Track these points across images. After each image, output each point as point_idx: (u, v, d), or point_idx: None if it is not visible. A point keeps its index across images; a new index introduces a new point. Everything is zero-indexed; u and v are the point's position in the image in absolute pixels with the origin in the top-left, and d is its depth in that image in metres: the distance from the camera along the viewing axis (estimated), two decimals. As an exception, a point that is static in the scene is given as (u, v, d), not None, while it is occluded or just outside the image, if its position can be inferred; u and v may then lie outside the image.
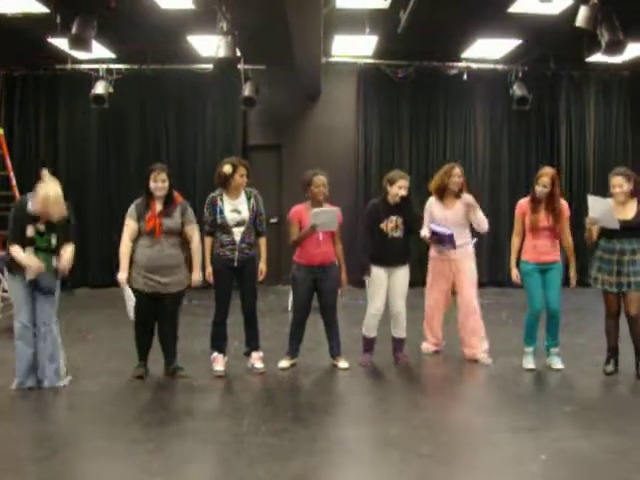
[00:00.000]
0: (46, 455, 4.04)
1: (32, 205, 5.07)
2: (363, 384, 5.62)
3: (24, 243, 5.09)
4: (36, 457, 4.06)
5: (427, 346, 6.44)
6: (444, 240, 6.00)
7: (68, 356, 5.47)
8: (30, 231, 5.08)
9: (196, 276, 5.57)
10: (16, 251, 5.09)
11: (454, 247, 5.98)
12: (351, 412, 4.94)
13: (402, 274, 5.96)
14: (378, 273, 5.88)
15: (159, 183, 5.38)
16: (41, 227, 5.12)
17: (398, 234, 5.86)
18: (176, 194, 5.55)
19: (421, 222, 6.10)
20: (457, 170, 6.11)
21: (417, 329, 6.41)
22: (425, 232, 6.09)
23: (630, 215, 5.50)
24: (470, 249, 6.17)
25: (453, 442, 4.27)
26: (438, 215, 6.12)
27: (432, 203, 6.22)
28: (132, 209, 5.48)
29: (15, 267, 5.16)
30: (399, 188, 5.83)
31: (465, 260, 6.13)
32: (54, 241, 5.18)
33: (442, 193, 6.15)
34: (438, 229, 6.04)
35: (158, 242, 5.39)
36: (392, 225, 5.84)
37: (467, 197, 6.10)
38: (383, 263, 5.88)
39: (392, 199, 5.87)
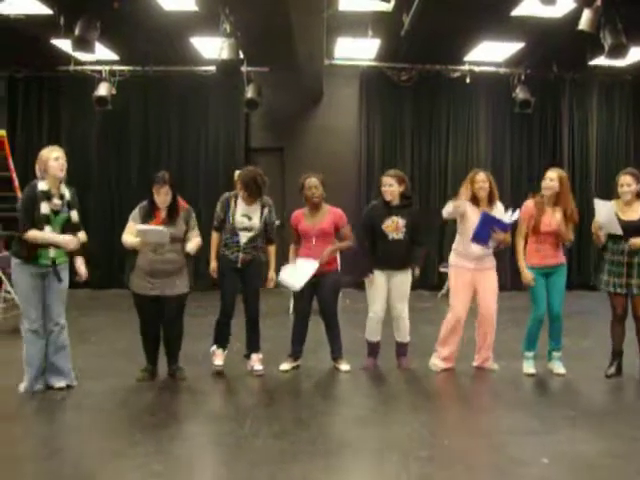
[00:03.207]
0: (45, 455, 4.04)
1: (40, 175, 4.96)
2: (364, 387, 5.61)
3: (40, 222, 4.90)
4: (35, 457, 4.05)
5: (437, 362, 5.92)
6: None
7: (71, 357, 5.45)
8: (45, 208, 4.91)
9: (190, 247, 5.44)
10: (35, 233, 4.90)
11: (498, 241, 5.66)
12: (352, 415, 4.92)
13: (402, 278, 5.86)
14: (377, 276, 5.83)
15: (162, 196, 5.38)
16: (57, 202, 4.99)
17: (399, 236, 5.78)
18: (180, 201, 5.55)
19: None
20: (481, 175, 5.77)
21: (422, 333, 6.39)
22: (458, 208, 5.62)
23: (636, 216, 5.50)
24: (493, 261, 5.84)
25: (454, 445, 4.25)
26: (472, 220, 5.67)
27: (469, 204, 5.75)
28: (136, 212, 5.48)
29: (28, 255, 4.93)
30: (382, 187, 5.83)
31: (488, 270, 5.82)
32: (75, 216, 5.09)
33: (476, 201, 5.75)
34: (497, 217, 5.58)
35: (160, 247, 5.39)
36: (393, 226, 5.77)
37: (498, 206, 5.84)
38: (382, 266, 5.81)
39: (388, 199, 5.82)
